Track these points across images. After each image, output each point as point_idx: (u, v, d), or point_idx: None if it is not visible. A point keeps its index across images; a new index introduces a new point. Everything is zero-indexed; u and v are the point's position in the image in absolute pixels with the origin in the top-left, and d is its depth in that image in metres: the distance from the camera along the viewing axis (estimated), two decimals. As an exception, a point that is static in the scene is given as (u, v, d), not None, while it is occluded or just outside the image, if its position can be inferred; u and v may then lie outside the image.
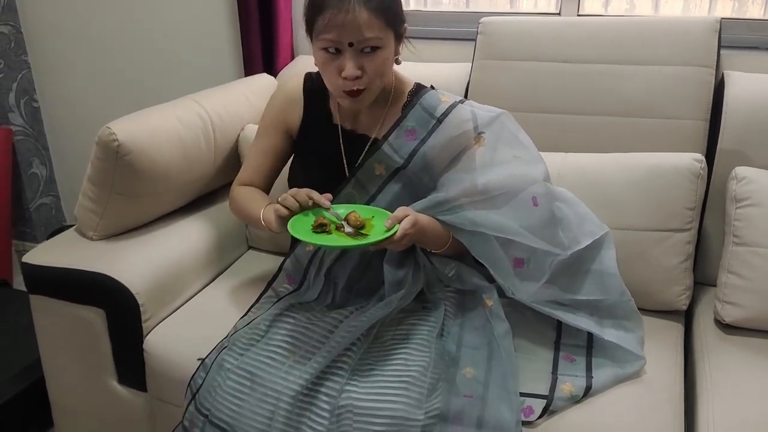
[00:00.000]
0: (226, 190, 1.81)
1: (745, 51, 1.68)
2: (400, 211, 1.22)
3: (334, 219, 1.21)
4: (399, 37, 1.28)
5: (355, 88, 1.24)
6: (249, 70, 2.05)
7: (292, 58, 2.08)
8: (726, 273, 1.40)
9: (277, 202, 1.24)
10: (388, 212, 1.22)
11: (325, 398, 1.16)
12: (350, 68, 1.21)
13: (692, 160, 1.42)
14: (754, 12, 1.78)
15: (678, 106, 1.55)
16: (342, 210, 1.23)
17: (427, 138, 1.32)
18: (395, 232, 1.16)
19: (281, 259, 1.44)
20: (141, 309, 1.43)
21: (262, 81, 1.93)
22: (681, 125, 1.55)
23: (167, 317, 1.51)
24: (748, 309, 1.36)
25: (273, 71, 2.02)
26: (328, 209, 1.22)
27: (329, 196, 1.24)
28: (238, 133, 1.74)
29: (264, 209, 1.33)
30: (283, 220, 1.21)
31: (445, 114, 1.33)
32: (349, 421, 1.12)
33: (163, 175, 1.54)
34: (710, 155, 1.54)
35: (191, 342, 1.39)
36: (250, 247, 1.81)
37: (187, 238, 1.62)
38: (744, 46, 1.69)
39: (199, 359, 1.30)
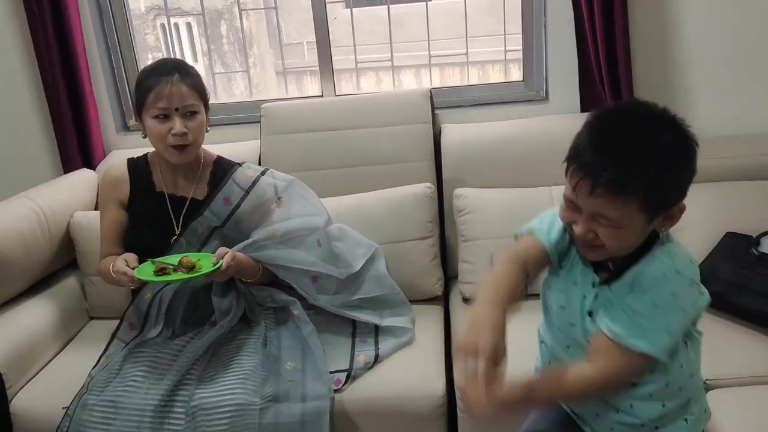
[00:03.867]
0: (64, 272, 2.06)
1: (454, 109, 2.31)
2: (221, 250, 1.61)
3: (171, 264, 1.57)
4: (207, 110, 1.71)
5: (182, 143, 1.63)
6: (68, 168, 2.29)
7: (104, 154, 2.37)
8: (461, 262, 1.96)
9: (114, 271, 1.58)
10: (211, 254, 1.61)
11: (180, 404, 1.47)
12: (179, 125, 1.62)
13: (425, 187, 1.99)
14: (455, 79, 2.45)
15: (411, 153, 2.11)
16: (175, 258, 1.60)
17: (240, 204, 1.73)
18: (221, 266, 1.55)
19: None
20: (3, 378, 1.63)
21: (83, 175, 2.20)
22: (416, 165, 2.11)
23: (29, 381, 1.71)
24: (477, 284, 1.90)
25: (91, 166, 2.28)
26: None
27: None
28: (68, 220, 2.00)
29: (112, 265, 1.62)
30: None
31: (252, 186, 1.76)
32: (201, 418, 1.43)
33: (4, 264, 1.78)
34: (440, 183, 2.11)
35: (53, 397, 1.61)
36: (91, 318, 2.04)
37: (35, 316, 1.84)
38: (453, 105, 2.32)
39: (63, 408, 1.52)
